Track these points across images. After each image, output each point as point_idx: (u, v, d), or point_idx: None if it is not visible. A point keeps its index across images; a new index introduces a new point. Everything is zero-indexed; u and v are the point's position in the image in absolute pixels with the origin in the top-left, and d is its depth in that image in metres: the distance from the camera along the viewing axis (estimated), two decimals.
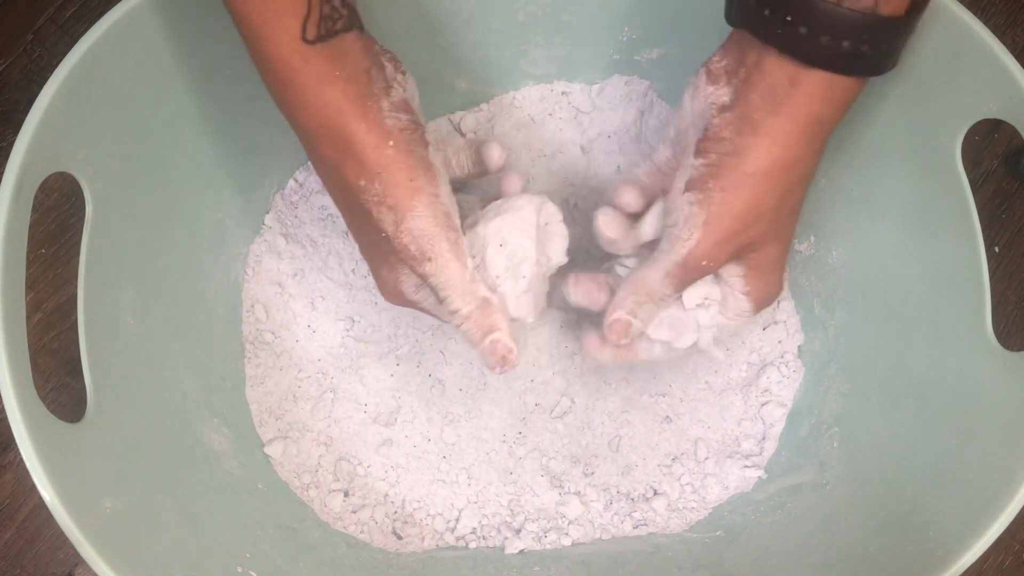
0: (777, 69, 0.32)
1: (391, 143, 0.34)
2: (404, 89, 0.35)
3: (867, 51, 0.31)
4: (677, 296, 0.38)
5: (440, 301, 0.36)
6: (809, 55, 0.31)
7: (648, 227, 0.39)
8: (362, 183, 0.34)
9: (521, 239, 0.38)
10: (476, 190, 0.45)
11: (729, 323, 0.39)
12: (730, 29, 0.35)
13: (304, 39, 0.31)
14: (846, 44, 0.30)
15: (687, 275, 0.36)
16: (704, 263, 0.36)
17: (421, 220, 0.34)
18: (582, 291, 0.41)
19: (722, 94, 0.35)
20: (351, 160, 0.34)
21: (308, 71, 0.32)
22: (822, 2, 0.30)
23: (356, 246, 0.40)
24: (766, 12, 0.31)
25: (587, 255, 0.49)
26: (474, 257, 0.37)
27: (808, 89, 0.32)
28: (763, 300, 0.38)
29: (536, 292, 0.39)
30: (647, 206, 0.40)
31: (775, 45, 0.32)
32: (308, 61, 0.32)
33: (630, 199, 0.40)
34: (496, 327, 0.36)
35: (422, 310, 0.39)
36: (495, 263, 0.37)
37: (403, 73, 0.36)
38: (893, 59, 0.33)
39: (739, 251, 0.36)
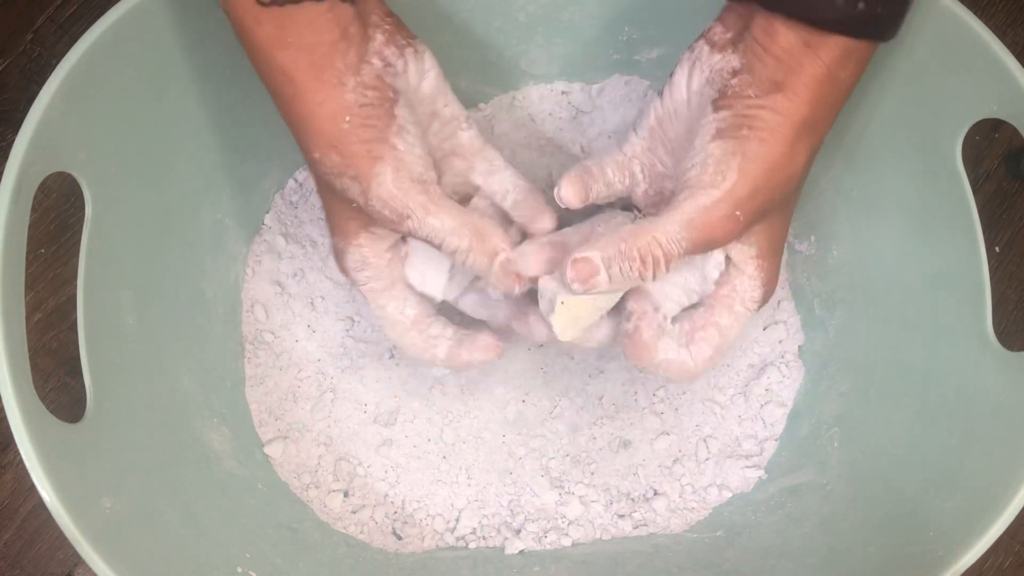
0: (791, 33, 0.31)
1: (347, 118, 0.33)
2: (389, 63, 0.34)
3: (882, 12, 0.30)
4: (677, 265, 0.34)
5: (439, 248, 0.36)
6: (823, 18, 0.30)
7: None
8: (316, 155, 0.34)
9: None
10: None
11: (732, 324, 0.37)
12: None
13: (258, 1, 0.31)
14: (861, 5, 0.30)
15: (711, 229, 0.33)
16: (738, 213, 0.33)
17: (388, 186, 0.34)
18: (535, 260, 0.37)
19: (731, 60, 0.33)
20: (304, 132, 0.34)
21: (259, 32, 0.32)
22: None
23: None
24: None
25: None
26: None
27: (824, 52, 0.31)
28: (770, 289, 0.37)
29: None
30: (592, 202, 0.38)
31: (784, 12, 0.31)
32: (259, 23, 0.31)
33: (570, 195, 0.37)
34: (499, 248, 0.35)
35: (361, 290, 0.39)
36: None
37: (398, 47, 0.35)
38: (901, 23, 0.32)
39: (759, 216, 0.34)
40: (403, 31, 0.36)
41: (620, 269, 0.33)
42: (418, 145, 0.35)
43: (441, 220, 0.35)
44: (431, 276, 0.39)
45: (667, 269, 0.33)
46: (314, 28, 0.32)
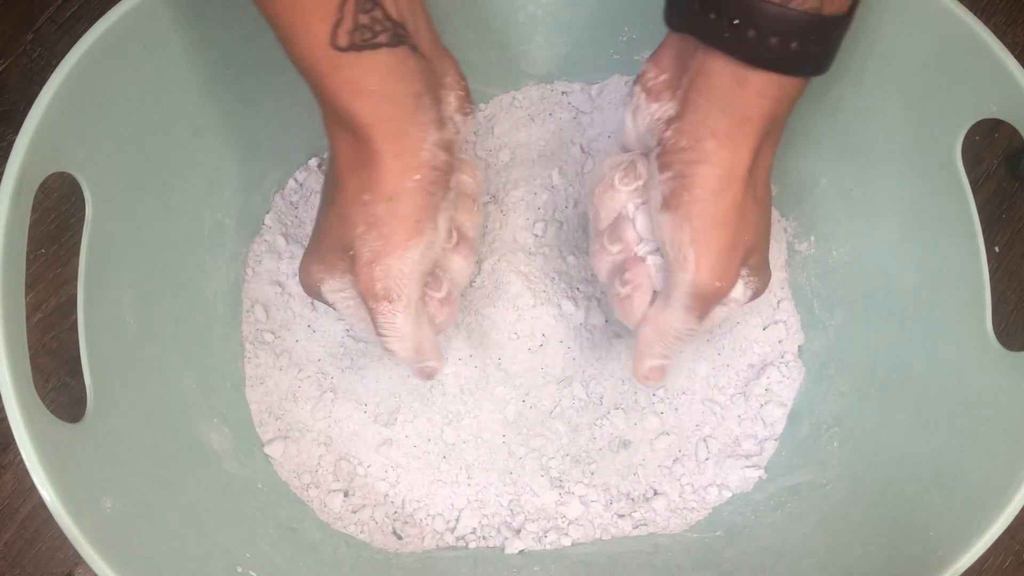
0: (724, 71, 0.32)
1: (417, 177, 0.32)
2: (458, 131, 0.34)
3: (815, 50, 0.31)
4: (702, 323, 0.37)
5: (376, 334, 0.35)
6: (758, 57, 0.31)
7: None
8: (365, 198, 0.33)
9: None
10: None
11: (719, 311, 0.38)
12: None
13: (334, 45, 0.30)
14: (794, 45, 0.30)
15: (706, 303, 0.35)
16: (718, 284, 0.34)
17: (406, 265, 0.33)
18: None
19: (667, 108, 0.34)
20: (366, 175, 0.32)
21: (337, 78, 0.31)
22: (770, 4, 0.30)
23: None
24: (711, 16, 0.31)
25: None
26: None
27: (757, 90, 0.32)
28: (760, 291, 0.38)
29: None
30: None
31: (722, 49, 0.31)
32: (338, 68, 0.30)
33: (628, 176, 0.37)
34: (426, 358, 0.37)
35: (332, 308, 0.38)
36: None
37: (465, 115, 0.35)
38: (834, 57, 0.33)
39: (747, 259, 0.35)
40: (469, 95, 0.36)
41: (674, 351, 0.37)
42: (448, 221, 0.35)
43: (404, 324, 0.34)
44: None
45: (697, 335, 0.37)
46: (396, 76, 0.31)
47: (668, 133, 0.34)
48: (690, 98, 0.33)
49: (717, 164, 0.33)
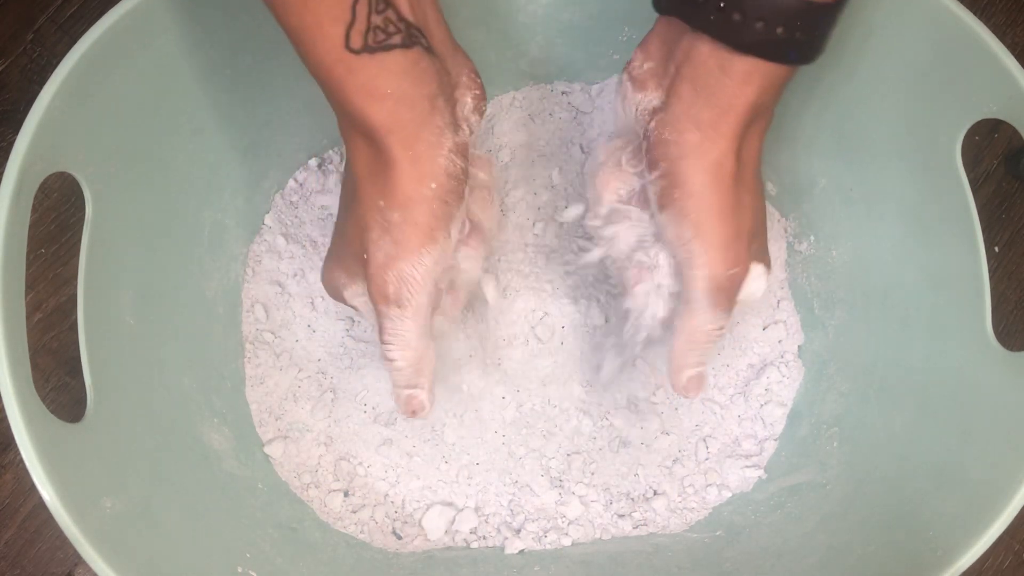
0: (709, 58, 0.31)
1: (433, 184, 0.32)
2: (472, 131, 0.34)
3: (801, 38, 0.30)
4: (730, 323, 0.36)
5: (380, 340, 0.35)
6: (742, 42, 0.30)
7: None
8: (380, 203, 0.32)
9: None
10: None
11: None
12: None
13: (348, 48, 0.29)
14: (780, 31, 0.30)
15: (728, 294, 0.34)
16: (733, 271, 0.34)
17: (419, 271, 0.33)
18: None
19: (652, 99, 0.34)
20: (382, 181, 0.32)
21: (353, 81, 0.30)
22: None
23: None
24: None
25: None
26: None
27: (740, 76, 0.31)
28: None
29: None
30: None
31: (707, 32, 0.31)
32: (352, 71, 0.30)
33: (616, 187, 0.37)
34: (420, 385, 0.36)
35: (356, 311, 0.38)
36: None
37: (480, 113, 0.34)
38: (822, 47, 0.32)
39: (753, 239, 0.35)
40: (485, 94, 0.35)
41: (708, 356, 0.37)
42: (459, 229, 0.35)
43: (410, 332, 0.34)
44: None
45: (724, 333, 0.36)
46: (411, 78, 0.31)
47: (652, 124, 0.34)
48: (675, 88, 0.33)
49: (701, 156, 0.32)
